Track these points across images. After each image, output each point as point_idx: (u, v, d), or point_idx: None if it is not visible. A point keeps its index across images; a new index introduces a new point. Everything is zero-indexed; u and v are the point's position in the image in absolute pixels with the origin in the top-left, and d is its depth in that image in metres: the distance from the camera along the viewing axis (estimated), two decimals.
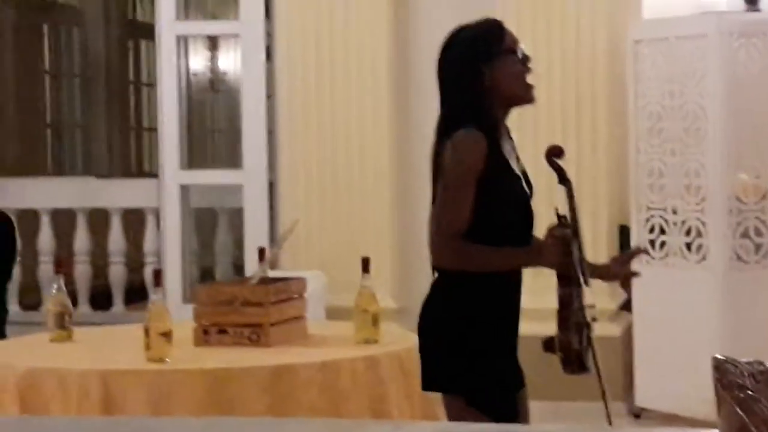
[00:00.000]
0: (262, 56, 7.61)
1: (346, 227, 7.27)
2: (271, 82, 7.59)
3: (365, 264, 4.58)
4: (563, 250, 3.38)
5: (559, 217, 3.41)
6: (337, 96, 7.35)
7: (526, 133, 6.99)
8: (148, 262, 8.18)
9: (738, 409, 1.71)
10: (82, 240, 8.50)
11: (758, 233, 6.43)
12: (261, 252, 5.05)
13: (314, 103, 7.38)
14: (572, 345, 3.44)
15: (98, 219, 8.65)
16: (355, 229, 7.24)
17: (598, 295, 7.05)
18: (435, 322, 3.56)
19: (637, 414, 6.75)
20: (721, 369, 1.78)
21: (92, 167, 13.11)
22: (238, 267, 8.03)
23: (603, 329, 6.96)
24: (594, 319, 3.54)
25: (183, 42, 7.84)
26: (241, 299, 4.47)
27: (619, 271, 3.86)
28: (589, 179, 7.09)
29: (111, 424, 2.90)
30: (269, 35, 7.63)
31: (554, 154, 3.59)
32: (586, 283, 3.49)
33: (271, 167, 7.58)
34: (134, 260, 8.52)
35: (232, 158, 9.12)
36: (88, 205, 8.53)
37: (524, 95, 3.60)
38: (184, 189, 7.75)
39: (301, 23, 7.42)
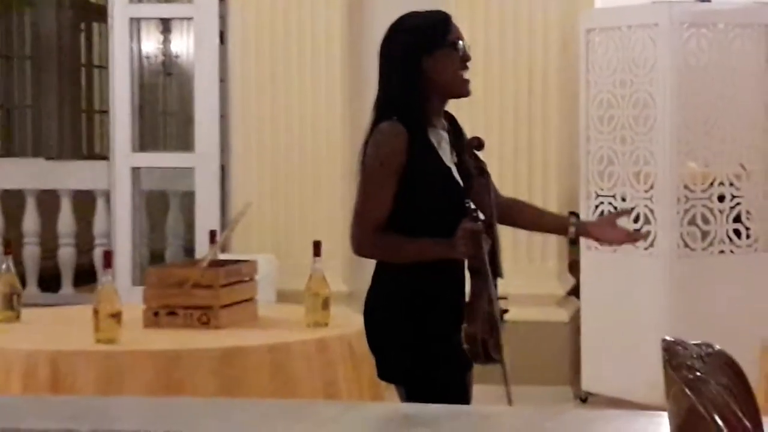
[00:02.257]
0: (216, 40, 7.58)
1: (298, 211, 7.27)
2: (224, 65, 7.57)
3: (316, 248, 4.59)
4: (473, 243, 3.39)
5: (470, 210, 3.43)
6: (290, 80, 7.34)
7: (478, 121, 7.03)
8: (98, 245, 8.14)
9: (687, 390, 1.72)
10: (31, 221, 8.44)
11: (705, 221, 6.49)
12: (212, 235, 5.05)
13: (267, 87, 7.37)
14: (477, 335, 3.42)
15: (48, 201, 8.60)
16: (307, 212, 7.24)
17: (547, 281, 7.15)
18: (375, 313, 3.61)
19: (584, 398, 6.81)
20: (671, 350, 1.80)
21: (42, 149, 13.02)
22: (189, 250, 8.01)
23: (551, 314, 7.08)
24: (505, 311, 3.55)
25: (136, 24, 7.80)
26: (192, 281, 4.47)
27: (612, 236, 3.87)
28: (539, 166, 7.13)
29: (59, 403, 2.89)
30: (223, 18, 7.60)
31: (473, 146, 3.57)
32: (498, 275, 3.51)
33: (223, 151, 7.56)
34: (84, 242, 8.47)
35: (184, 141, 9.09)
36: (37, 186, 8.47)
37: (459, 90, 3.63)
38: (136, 171, 7.71)
39: (255, 7, 7.39)
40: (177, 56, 12.34)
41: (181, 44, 12.13)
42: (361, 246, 3.57)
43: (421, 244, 3.51)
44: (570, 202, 7.12)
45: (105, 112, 10.07)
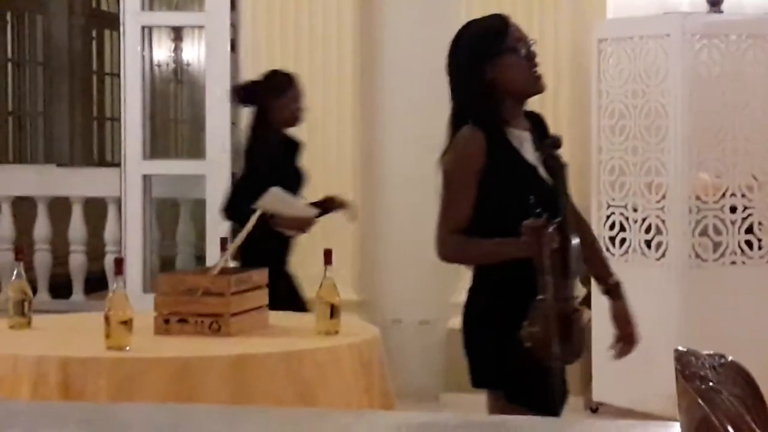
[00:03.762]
0: (227, 47, 7.59)
1: None
2: (235, 73, 7.58)
3: (327, 256, 4.58)
4: (536, 241, 3.41)
5: (534, 208, 3.43)
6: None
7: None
8: (108, 251, 8.15)
9: (700, 401, 1.72)
10: (42, 228, 8.45)
11: (717, 232, 6.48)
12: (223, 242, 5.05)
13: None
14: (536, 335, 3.45)
15: (59, 207, 8.61)
16: (318, 221, 7.23)
17: None
18: (473, 321, 3.65)
19: (595, 409, 6.80)
20: (683, 360, 1.79)
21: (54, 156, 13.04)
22: (200, 257, 8.01)
23: None
24: (576, 310, 3.57)
25: (147, 32, 7.81)
26: (202, 289, 4.46)
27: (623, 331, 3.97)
28: None
29: (69, 409, 2.89)
30: (234, 27, 7.61)
31: (551, 146, 3.61)
32: (568, 273, 3.51)
33: (234, 158, 7.56)
34: (95, 249, 8.48)
35: (195, 149, 9.10)
36: (49, 193, 8.48)
37: (530, 88, 3.69)
38: (147, 179, 7.73)
39: (266, 15, 7.41)
40: (188, 64, 12.37)
41: (193, 52, 12.15)
42: (445, 251, 3.63)
43: (493, 244, 3.55)
44: (582, 212, 7.11)
45: (116, 120, 10.09)
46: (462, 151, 3.60)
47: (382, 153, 7.43)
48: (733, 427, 1.67)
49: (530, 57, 3.65)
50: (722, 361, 1.78)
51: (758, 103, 6.57)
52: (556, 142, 3.60)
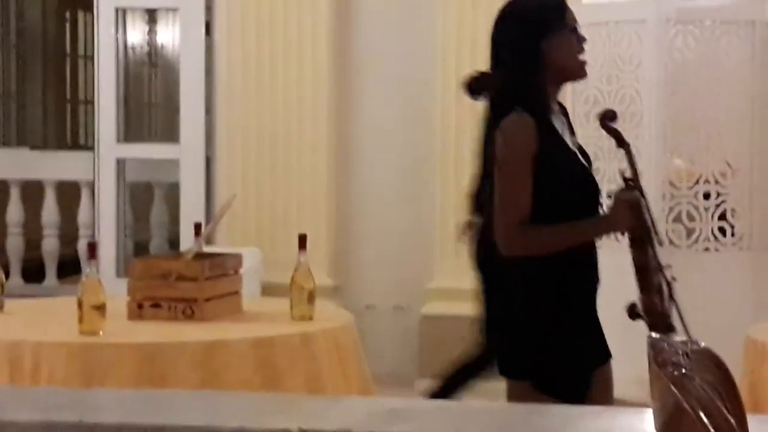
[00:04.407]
0: (202, 31, 7.56)
1: (283, 204, 7.26)
2: (210, 57, 7.55)
3: (302, 241, 4.57)
4: (634, 213, 3.33)
5: (626, 179, 3.36)
6: (276, 72, 7.32)
7: (463, 116, 7.03)
8: (82, 235, 8.11)
9: (672, 387, 1.72)
10: (15, 212, 8.41)
11: (690, 218, 6.50)
12: (197, 227, 5.03)
13: (253, 78, 7.35)
14: (656, 308, 3.36)
15: (32, 191, 8.56)
16: (292, 206, 7.23)
17: None
18: (504, 310, 3.51)
19: None
20: (656, 347, 1.80)
21: (27, 139, 12.97)
22: (174, 242, 7.99)
23: None
24: (674, 279, 3.46)
25: (121, 14, 7.77)
26: (176, 274, 4.45)
27: None
28: None
29: (41, 394, 2.88)
30: (209, 9, 7.58)
31: (608, 117, 3.51)
32: (660, 242, 3.42)
33: (208, 143, 7.54)
34: (68, 233, 8.44)
35: (170, 133, 9.08)
36: (22, 176, 8.44)
37: (578, 72, 3.52)
38: (120, 162, 7.70)
39: None
40: (163, 47, 12.31)
41: (167, 35, 12.10)
42: (511, 244, 3.41)
43: (578, 226, 3.41)
44: None
45: (90, 103, 10.04)
46: (516, 139, 3.38)
47: (357, 137, 7.42)
48: (705, 413, 1.68)
49: (582, 40, 3.50)
50: (695, 347, 1.79)
51: (732, 90, 6.59)
52: (614, 114, 3.48)
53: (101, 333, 4.12)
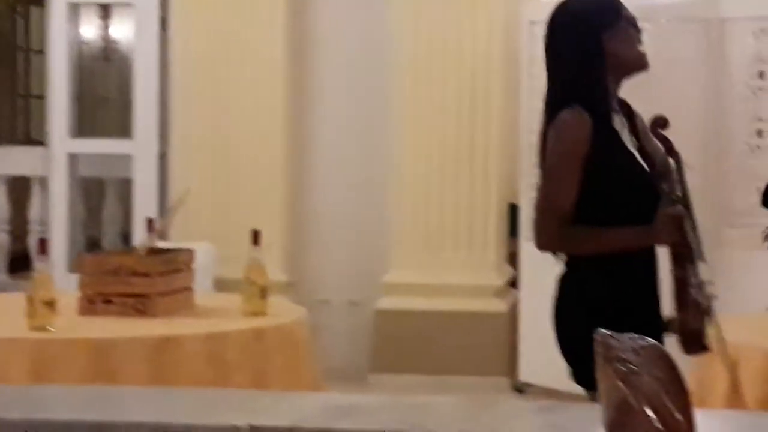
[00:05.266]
0: (156, 26, 7.51)
1: (237, 199, 7.23)
2: (165, 52, 7.51)
3: (255, 236, 4.56)
4: (677, 229, 3.27)
5: (668, 194, 3.31)
6: (230, 68, 7.29)
7: (423, 111, 7.05)
8: (33, 231, 8.05)
9: (620, 383, 1.72)
10: None
11: None
12: (149, 223, 5.00)
13: (208, 74, 7.31)
14: (690, 325, 3.27)
15: None
16: (246, 201, 7.20)
17: (485, 272, 7.16)
18: (567, 319, 3.44)
19: (521, 389, 6.83)
20: (605, 343, 1.79)
21: None
22: (126, 237, 7.94)
23: (489, 305, 7.09)
24: (714, 296, 3.36)
25: (75, 9, 7.72)
26: (128, 269, 4.42)
27: None
28: (481, 158, 7.14)
29: None
30: (164, 5, 7.54)
31: (659, 125, 3.46)
32: (702, 259, 3.35)
33: (162, 138, 7.50)
34: (19, 228, 8.37)
35: (123, 128, 9.01)
36: None
37: (640, 63, 3.49)
38: (73, 157, 7.64)
39: None
40: (117, 42, 12.23)
41: (122, 30, 12.01)
42: (548, 239, 3.37)
43: (619, 232, 3.34)
44: (510, 194, 7.15)
45: (42, 98, 9.96)
46: (568, 135, 3.33)
47: (312, 132, 7.40)
48: (651, 409, 1.68)
49: (639, 33, 3.46)
50: (643, 343, 1.78)
51: (689, 87, 6.61)
52: (665, 121, 3.43)
53: (52, 328, 4.09)
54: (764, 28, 6.42)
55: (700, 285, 3.33)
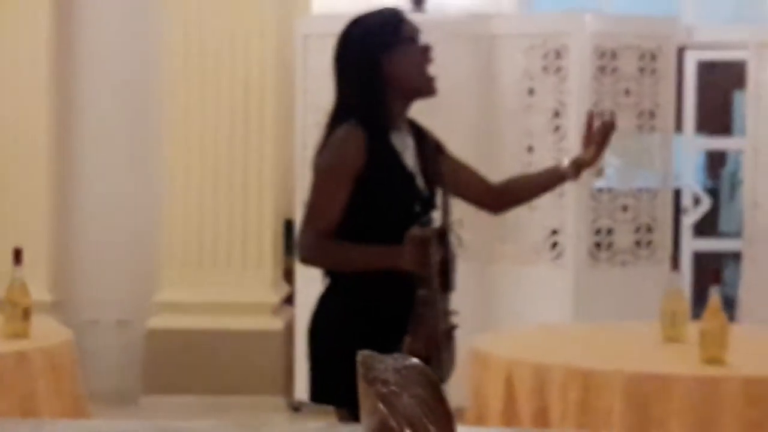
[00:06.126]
0: None
1: None
2: None
3: (17, 255, 4.38)
4: (421, 252, 3.24)
5: (419, 216, 3.31)
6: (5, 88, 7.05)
7: (194, 127, 6.93)
8: None
9: (380, 404, 1.69)
10: None
11: None
12: None
13: None
14: (420, 353, 3.23)
15: None
16: (8, 218, 6.94)
17: (261, 289, 7.07)
18: (317, 332, 3.47)
19: (297, 407, 6.78)
20: (366, 364, 1.76)
21: None
22: None
23: (265, 323, 7.01)
24: (454, 327, 3.37)
25: None
26: None
27: (594, 153, 3.63)
28: (255, 174, 7.06)
29: None
30: None
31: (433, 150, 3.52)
32: (449, 287, 3.35)
33: None
34: None
35: None
36: None
37: (424, 87, 3.50)
38: None
39: None
40: None
41: None
42: (307, 253, 3.42)
43: (366, 251, 3.36)
44: (286, 210, 7.09)
45: None
46: (339, 150, 3.37)
47: (78, 148, 7.19)
48: (410, 429, 1.66)
49: (426, 52, 3.48)
50: (406, 363, 1.76)
51: (463, 101, 6.66)
52: (439, 147, 3.44)
53: None
54: (534, 45, 6.53)
55: (445, 313, 3.34)
